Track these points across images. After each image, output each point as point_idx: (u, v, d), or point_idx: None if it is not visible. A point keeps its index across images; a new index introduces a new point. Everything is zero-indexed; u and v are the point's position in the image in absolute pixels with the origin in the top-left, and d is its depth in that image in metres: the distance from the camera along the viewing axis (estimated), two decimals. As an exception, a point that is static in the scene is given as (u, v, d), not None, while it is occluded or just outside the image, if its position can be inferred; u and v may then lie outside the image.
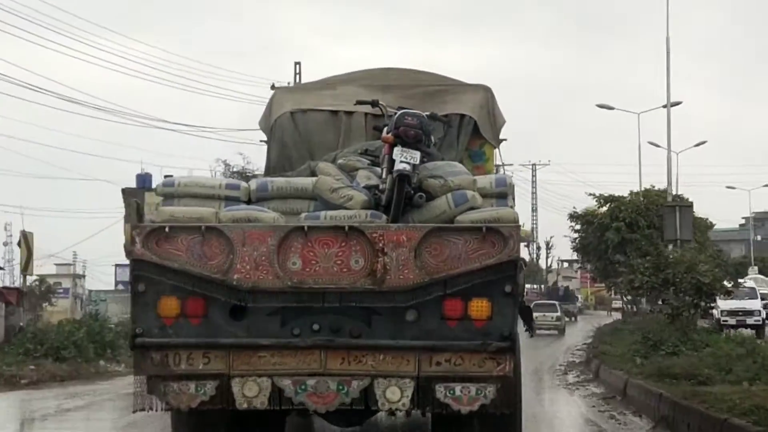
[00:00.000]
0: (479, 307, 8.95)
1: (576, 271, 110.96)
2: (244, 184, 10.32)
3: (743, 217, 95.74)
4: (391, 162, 9.58)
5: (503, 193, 10.16)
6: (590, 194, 48.21)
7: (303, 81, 47.13)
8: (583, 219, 48.31)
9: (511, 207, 10.00)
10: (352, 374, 8.95)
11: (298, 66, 48.50)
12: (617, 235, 44.51)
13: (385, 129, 10.19)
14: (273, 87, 45.73)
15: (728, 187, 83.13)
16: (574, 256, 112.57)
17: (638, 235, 43.90)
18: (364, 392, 9.00)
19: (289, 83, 47.25)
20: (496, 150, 12.36)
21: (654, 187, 49.01)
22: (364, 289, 8.88)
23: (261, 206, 9.87)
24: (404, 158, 9.43)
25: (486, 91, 12.27)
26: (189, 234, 9.01)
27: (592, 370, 25.89)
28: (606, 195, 47.56)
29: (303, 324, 8.94)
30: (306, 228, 9.05)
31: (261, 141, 12.99)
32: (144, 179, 52.19)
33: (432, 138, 10.05)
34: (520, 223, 9.40)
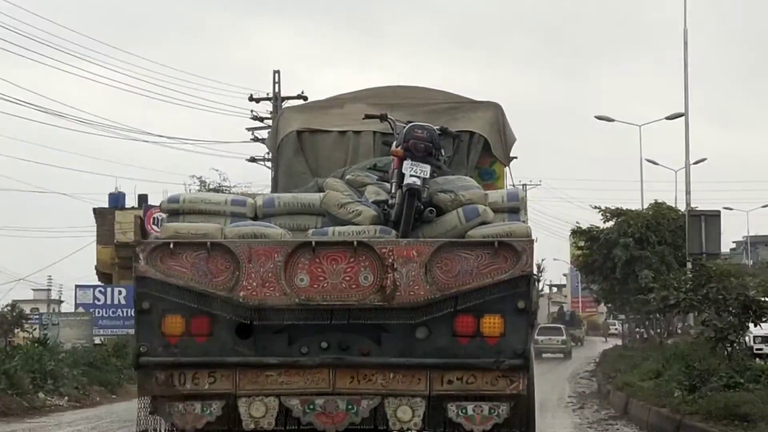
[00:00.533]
0: (492, 324, 8.79)
1: (565, 297, 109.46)
2: (250, 200, 10.12)
3: (734, 241, 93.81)
4: (401, 176, 9.38)
5: (515, 208, 9.97)
6: (596, 207, 43.25)
7: (282, 91, 46.95)
8: (587, 235, 43.46)
9: (524, 222, 9.83)
10: (361, 393, 8.80)
11: (277, 75, 47.10)
12: (626, 252, 39.73)
13: (395, 143, 9.98)
14: (275, 103, 45.40)
15: (725, 208, 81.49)
16: (563, 281, 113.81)
17: (648, 252, 39.83)
18: (374, 412, 8.86)
19: (268, 94, 46.92)
20: (507, 168, 12.13)
21: (659, 201, 44.60)
22: (373, 306, 8.70)
23: (268, 222, 9.69)
24: (414, 172, 9.24)
25: (496, 108, 12.04)
26: (194, 250, 8.85)
27: (614, 404, 21.93)
28: (612, 208, 42.71)
29: (311, 342, 8.80)
30: (314, 243, 8.87)
31: (267, 160, 12.66)
32: (117, 198, 50.64)
33: (443, 151, 9.85)
34: (533, 238, 9.19)
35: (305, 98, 46.38)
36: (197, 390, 8.82)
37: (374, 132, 11.55)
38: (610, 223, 41.93)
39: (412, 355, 8.75)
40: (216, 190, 48.49)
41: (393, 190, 9.57)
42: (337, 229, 9.36)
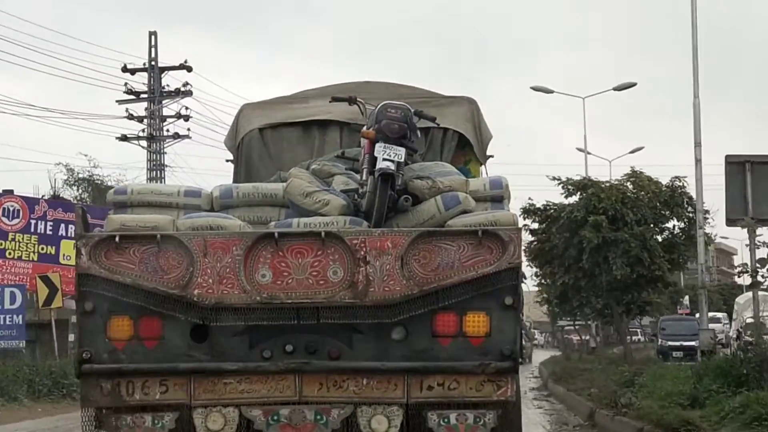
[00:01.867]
0: (476, 323, 8.20)
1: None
2: (205, 190, 9.57)
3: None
4: (372, 161, 8.74)
5: (499, 196, 9.43)
6: (554, 178, 32.66)
7: (160, 57, 44.03)
8: (543, 215, 32.34)
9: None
10: (331, 402, 8.23)
11: (153, 37, 43.13)
12: (596, 235, 29.65)
13: (365, 126, 9.32)
14: (152, 73, 43.06)
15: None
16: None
17: (626, 234, 30.10)
18: (346, 422, 8.29)
19: (144, 64, 43.49)
20: (483, 167, 11.57)
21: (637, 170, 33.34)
22: (343, 304, 8.12)
23: (225, 214, 9.12)
24: (387, 155, 8.60)
25: (471, 103, 11.54)
26: (142, 244, 8.22)
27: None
28: (577, 179, 32.55)
29: (274, 345, 8.21)
30: (276, 235, 8.22)
31: (227, 161, 12.13)
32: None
33: (418, 133, 9.14)
34: (520, 226, 8.43)
35: (189, 68, 43.79)
36: (147, 400, 8.23)
37: (341, 126, 11.12)
38: (574, 198, 31.80)
39: (388, 359, 8.18)
40: (87, 180, 45.92)
41: (364, 177, 8.97)
42: (303, 220, 8.79)
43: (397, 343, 8.21)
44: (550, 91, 47.01)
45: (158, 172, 43.61)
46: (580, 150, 49.89)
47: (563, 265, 31.96)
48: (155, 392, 8.20)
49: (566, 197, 32.21)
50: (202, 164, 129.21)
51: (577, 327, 55.19)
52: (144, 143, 44.41)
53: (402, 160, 8.66)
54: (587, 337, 52.68)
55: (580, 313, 40.04)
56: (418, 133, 9.11)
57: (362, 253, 8.11)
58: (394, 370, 8.19)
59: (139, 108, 44.27)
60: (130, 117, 44.05)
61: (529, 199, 33.10)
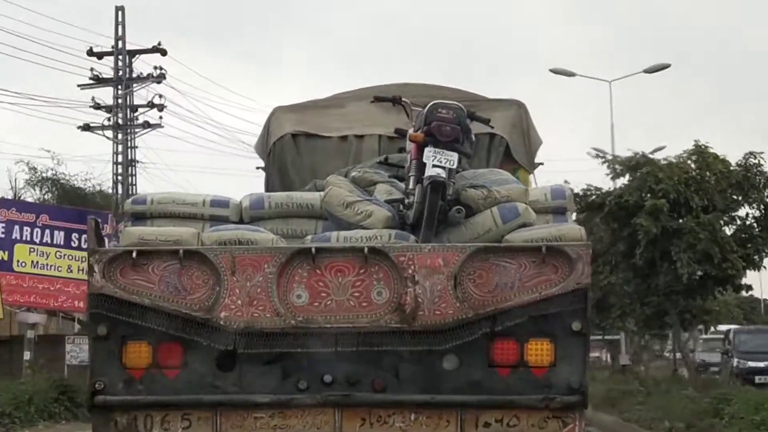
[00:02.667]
0: (539, 351, 7.57)
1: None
2: (234, 200, 8.87)
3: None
4: (421, 167, 8.04)
5: (561, 207, 8.72)
6: (598, 155, 26.70)
7: (128, 36, 39.59)
8: (583, 202, 24.77)
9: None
10: None
11: (120, 13, 38.62)
12: (654, 224, 23.03)
13: (412, 129, 8.63)
14: (119, 54, 38.84)
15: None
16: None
17: (691, 223, 23.57)
18: None
19: (113, 47, 39.09)
20: (532, 175, 10.96)
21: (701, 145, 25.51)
22: (389, 329, 7.49)
23: (256, 227, 8.45)
24: (438, 161, 7.89)
25: (520, 107, 10.92)
26: (163, 261, 7.61)
27: None
28: (628, 156, 25.44)
29: (311, 375, 7.60)
30: (314, 250, 7.56)
31: (258, 168, 11.48)
32: None
33: (472, 137, 8.40)
34: (589, 242, 7.78)
35: (163, 51, 39.01)
36: None
37: (380, 136, 10.51)
38: (622, 181, 25.29)
39: (439, 391, 7.55)
40: (53, 180, 42.19)
41: (411, 186, 8.25)
42: (343, 234, 8.08)
43: (449, 373, 7.58)
44: (572, 74, 40.72)
45: (128, 168, 39.35)
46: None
47: (609, 263, 25.38)
48: (177, 427, 7.62)
49: (613, 179, 25.70)
50: (177, 159, 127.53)
51: (605, 341, 51.31)
52: (108, 133, 39.82)
53: (454, 166, 7.96)
54: (606, 353, 50.46)
55: (618, 324, 33.95)
56: (473, 136, 8.34)
57: (410, 271, 7.47)
58: (446, 404, 7.54)
59: (108, 96, 39.60)
60: (97, 106, 39.19)
61: (565, 182, 24.93)
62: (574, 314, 7.48)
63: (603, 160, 25.46)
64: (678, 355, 34.10)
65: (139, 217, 8.65)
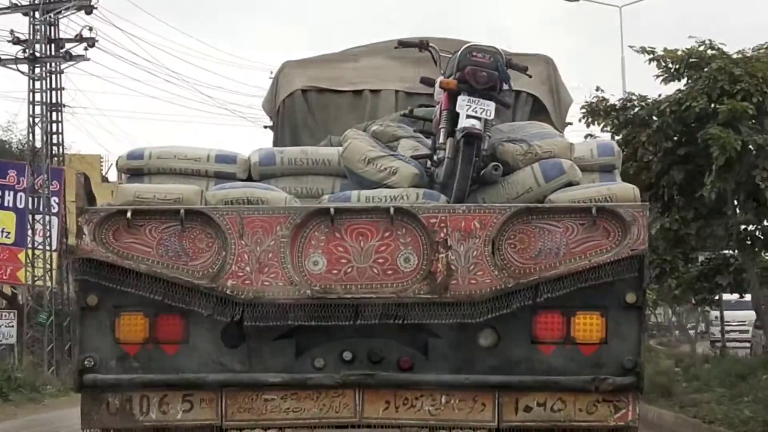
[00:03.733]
0: (588, 326, 7.07)
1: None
2: (242, 155, 8.23)
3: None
4: (452, 119, 7.39)
5: (609, 165, 8.02)
6: (645, 50, 17.68)
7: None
8: (622, 117, 17.90)
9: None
10: (401, 425, 7.26)
11: None
12: (732, 139, 15.41)
13: (440, 78, 7.96)
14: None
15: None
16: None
17: None
18: None
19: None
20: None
21: None
22: (418, 300, 6.96)
23: (267, 185, 7.90)
24: (473, 111, 7.22)
25: (548, 63, 10.28)
26: (162, 222, 7.11)
27: None
28: (688, 49, 17.25)
29: (329, 352, 7.17)
30: (332, 211, 6.98)
31: (265, 127, 10.96)
32: None
33: (511, 84, 7.78)
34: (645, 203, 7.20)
35: None
36: (167, 421, 7.24)
37: (396, 91, 9.93)
38: (680, 85, 17.84)
39: (474, 371, 7.09)
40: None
41: (441, 140, 7.58)
42: (364, 193, 7.49)
43: (485, 350, 7.11)
44: None
45: (50, 112, 32.73)
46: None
47: (660, 199, 17.62)
48: (177, 410, 7.18)
49: (665, 82, 17.80)
50: (112, 104, 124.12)
51: None
52: (27, 68, 33.06)
53: (491, 117, 7.31)
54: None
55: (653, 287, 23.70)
56: (511, 83, 7.64)
57: (442, 235, 6.93)
58: (482, 385, 7.07)
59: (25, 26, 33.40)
60: (16, 41, 32.39)
61: (598, 89, 18.54)
62: (628, 284, 6.97)
63: (650, 56, 17.81)
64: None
65: (135, 174, 8.07)
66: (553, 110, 10.00)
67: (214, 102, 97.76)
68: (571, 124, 10.96)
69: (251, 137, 46.26)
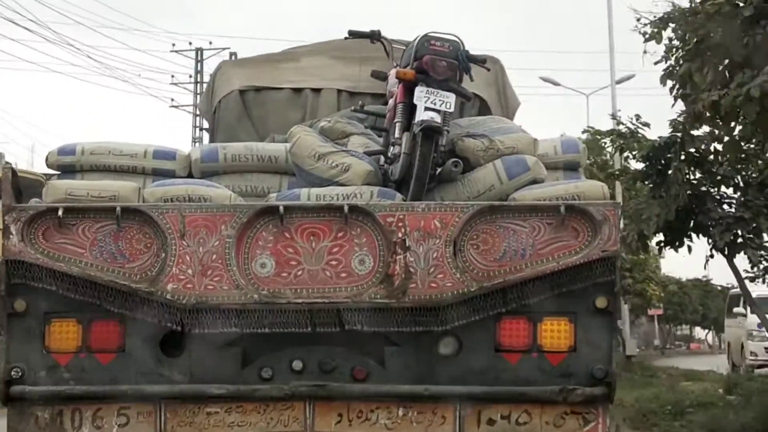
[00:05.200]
0: (556, 333, 6.71)
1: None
2: (182, 151, 7.86)
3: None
4: (408, 111, 7.02)
5: (574, 162, 7.71)
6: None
7: None
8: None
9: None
10: None
11: None
12: None
13: (393, 71, 7.57)
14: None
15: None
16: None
17: None
18: None
19: None
20: None
21: None
22: (374, 305, 6.61)
23: (209, 182, 7.53)
24: (431, 103, 6.85)
25: (495, 64, 9.89)
26: (96, 221, 6.71)
27: None
28: None
29: (277, 361, 6.77)
30: (282, 209, 6.60)
31: (202, 129, 10.28)
32: None
33: (471, 75, 7.35)
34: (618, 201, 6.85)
35: None
36: None
37: (339, 91, 9.50)
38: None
39: (434, 381, 6.71)
40: None
41: (397, 134, 7.18)
42: (314, 191, 7.11)
43: (446, 359, 6.74)
44: (557, 84, 42.10)
45: None
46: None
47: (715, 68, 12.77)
48: (112, 425, 6.75)
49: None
50: None
51: None
52: None
53: (451, 109, 6.91)
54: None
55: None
56: (472, 75, 7.26)
57: (400, 235, 6.55)
58: (443, 396, 6.69)
59: None
60: None
61: None
62: (598, 288, 6.61)
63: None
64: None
65: (67, 170, 7.66)
66: (501, 112, 9.63)
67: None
68: (520, 126, 10.67)
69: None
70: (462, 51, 7.02)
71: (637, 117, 16.78)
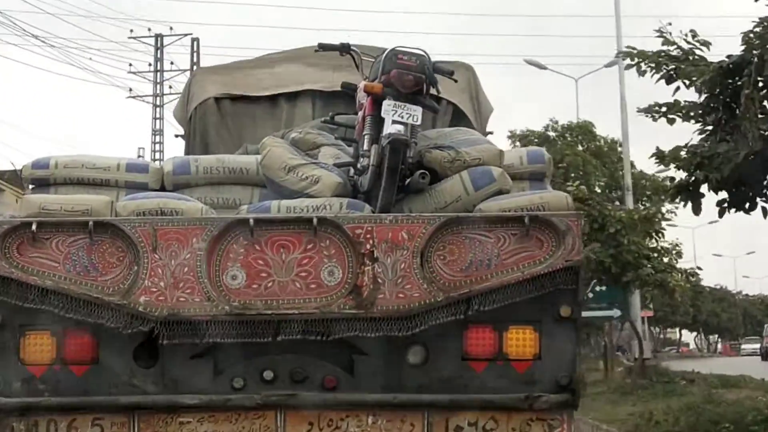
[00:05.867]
0: (521, 341, 6.73)
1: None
2: (154, 164, 7.90)
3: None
4: (377, 124, 7.05)
5: (539, 173, 7.77)
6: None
7: None
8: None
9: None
10: None
11: None
12: None
13: (362, 84, 7.59)
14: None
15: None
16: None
17: None
18: None
19: None
20: None
21: None
22: (343, 315, 6.60)
23: (181, 195, 7.51)
24: (399, 116, 6.88)
25: (468, 70, 9.98)
26: (69, 235, 6.67)
27: None
28: None
29: (248, 371, 6.76)
30: (252, 222, 6.60)
31: (177, 135, 10.39)
32: None
33: (438, 89, 7.38)
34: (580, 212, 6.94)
35: None
36: None
37: (313, 98, 9.59)
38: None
39: (402, 390, 6.71)
40: None
41: (365, 147, 7.21)
42: (285, 203, 7.11)
43: (414, 368, 6.75)
44: (544, 67, 39.17)
45: None
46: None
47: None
48: None
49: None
50: None
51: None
52: None
53: (418, 122, 6.94)
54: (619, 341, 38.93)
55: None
56: (439, 88, 7.29)
57: (368, 246, 6.57)
58: (411, 404, 6.69)
59: None
60: None
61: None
62: (562, 297, 6.65)
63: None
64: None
65: (40, 184, 7.65)
66: (474, 118, 9.68)
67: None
68: (492, 133, 10.59)
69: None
70: (429, 65, 7.03)
71: (693, 34, 12.65)
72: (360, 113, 7.49)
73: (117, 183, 7.59)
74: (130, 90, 50.60)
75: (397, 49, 7.10)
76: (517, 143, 22.40)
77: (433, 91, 7.25)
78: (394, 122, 6.84)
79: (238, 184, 7.69)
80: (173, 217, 6.81)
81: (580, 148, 23.74)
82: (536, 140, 22.76)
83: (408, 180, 7.06)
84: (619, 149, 28.44)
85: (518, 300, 6.58)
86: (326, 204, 6.98)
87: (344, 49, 8.11)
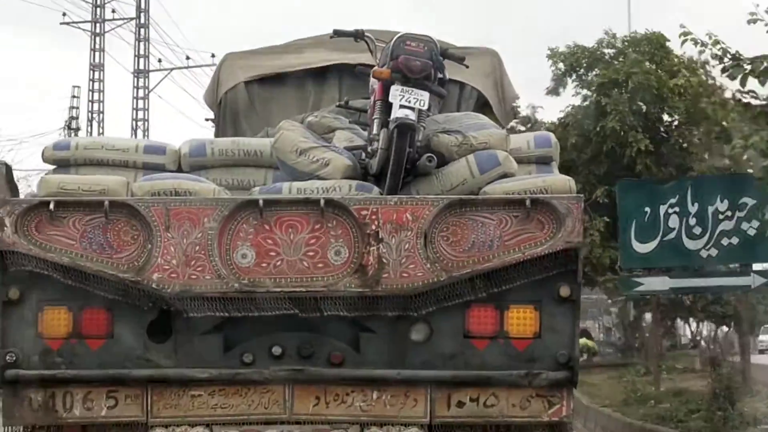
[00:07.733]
0: (522, 320, 6.84)
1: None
2: (171, 146, 8.02)
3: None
4: (385, 108, 7.17)
5: (546, 157, 7.88)
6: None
7: None
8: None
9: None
10: (331, 421, 6.89)
11: None
12: None
13: (376, 66, 7.71)
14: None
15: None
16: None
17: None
18: None
19: None
20: (504, 131, 9.98)
21: None
22: (349, 294, 6.75)
23: (196, 176, 7.67)
24: (406, 101, 6.99)
25: (493, 56, 10.06)
26: (86, 213, 6.83)
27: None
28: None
29: (258, 347, 6.90)
30: (261, 203, 6.75)
31: (207, 119, 10.57)
32: None
33: (446, 74, 7.50)
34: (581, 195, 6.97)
35: None
36: (91, 417, 6.92)
37: (340, 77, 9.78)
38: None
39: (406, 366, 6.84)
40: None
41: (374, 131, 7.35)
42: (296, 185, 7.24)
43: (418, 345, 6.87)
44: None
45: None
46: None
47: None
48: (101, 407, 6.89)
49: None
50: None
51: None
52: None
53: (425, 107, 7.06)
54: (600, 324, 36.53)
55: None
56: (446, 73, 7.43)
57: (373, 227, 6.71)
58: (414, 380, 6.82)
59: None
60: None
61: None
62: (562, 278, 6.76)
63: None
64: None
65: (61, 165, 7.82)
66: (497, 104, 9.77)
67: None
68: (517, 118, 10.74)
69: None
70: (436, 51, 7.15)
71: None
72: (371, 97, 7.62)
73: (135, 164, 7.76)
74: (64, 15, 43.80)
75: (406, 35, 7.23)
76: (560, 64, 18.47)
77: (441, 76, 7.36)
78: (402, 107, 6.96)
79: (251, 166, 7.84)
80: (186, 197, 6.96)
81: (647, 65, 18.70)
82: (585, 61, 18.26)
83: (416, 163, 7.17)
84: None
85: (519, 280, 6.70)
86: (336, 186, 7.10)
87: (358, 35, 8.22)
